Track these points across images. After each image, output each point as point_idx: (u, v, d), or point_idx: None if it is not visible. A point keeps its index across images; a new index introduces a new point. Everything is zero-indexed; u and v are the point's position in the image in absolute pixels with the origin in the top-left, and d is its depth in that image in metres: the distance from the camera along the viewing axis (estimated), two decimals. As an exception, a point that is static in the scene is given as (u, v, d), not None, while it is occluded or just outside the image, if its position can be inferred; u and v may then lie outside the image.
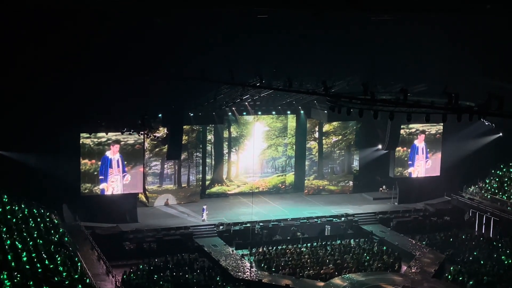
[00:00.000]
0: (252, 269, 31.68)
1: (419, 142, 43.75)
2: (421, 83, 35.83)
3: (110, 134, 36.77)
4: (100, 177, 37.12)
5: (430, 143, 43.89)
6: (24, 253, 25.68)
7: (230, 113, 42.32)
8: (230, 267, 31.85)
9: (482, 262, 33.64)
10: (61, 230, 31.72)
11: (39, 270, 24.62)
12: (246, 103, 41.58)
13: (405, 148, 43.37)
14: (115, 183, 37.58)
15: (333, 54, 34.58)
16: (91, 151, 36.82)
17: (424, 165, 44.01)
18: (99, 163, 36.94)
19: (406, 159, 43.52)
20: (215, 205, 40.77)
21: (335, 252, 34.45)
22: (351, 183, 46.19)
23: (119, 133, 36.74)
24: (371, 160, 45.78)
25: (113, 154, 37.30)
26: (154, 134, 38.36)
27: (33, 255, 25.96)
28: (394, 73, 36.17)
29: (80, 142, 36.47)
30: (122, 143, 37.32)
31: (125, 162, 37.51)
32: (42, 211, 33.62)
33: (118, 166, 37.47)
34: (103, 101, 33.43)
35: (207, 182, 43.82)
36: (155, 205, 41.13)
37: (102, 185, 37.22)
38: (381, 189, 45.27)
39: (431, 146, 43.93)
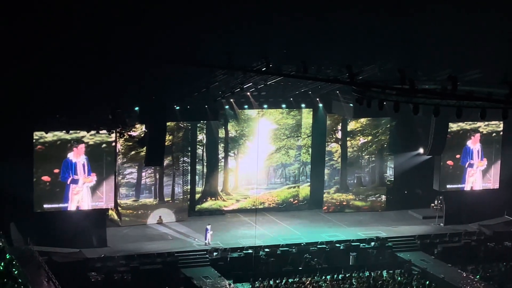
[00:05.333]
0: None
1: (473, 144, 43.68)
2: (474, 69, 35.82)
3: (72, 132, 36.79)
4: (67, 181, 37.15)
5: (486, 147, 43.82)
6: (-39, 286, 25.73)
7: (227, 107, 42.41)
8: (226, 306, 32.00)
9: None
10: (7, 257, 31.77)
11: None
12: (248, 94, 41.59)
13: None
14: (80, 195, 37.58)
15: (361, 30, 34.54)
16: (47, 155, 36.82)
17: (480, 174, 44.01)
18: (58, 169, 36.93)
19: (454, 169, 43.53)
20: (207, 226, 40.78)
21: (363, 286, 34.49)
22: (383, 197, 46.24)
23: (84, 131, 36.78)
24: (410, 168, 45.80)
25: (76, 156, 37.27)
26: (129, 133, 38.48)
27: (-28, 288, 26.00)
28: (439, 55, 36.13)
29: (34, 143, 36.47)
30: (88, 143, 37.28)
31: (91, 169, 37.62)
32: (-16, 231, 33.75)
33: (84, 172, 37.49)
34: (64, 89, 33.38)
35: (198, 196, 43.95)
36: (148, 223, 41.47)
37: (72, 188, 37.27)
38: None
39: (487, 151, 43.85)
